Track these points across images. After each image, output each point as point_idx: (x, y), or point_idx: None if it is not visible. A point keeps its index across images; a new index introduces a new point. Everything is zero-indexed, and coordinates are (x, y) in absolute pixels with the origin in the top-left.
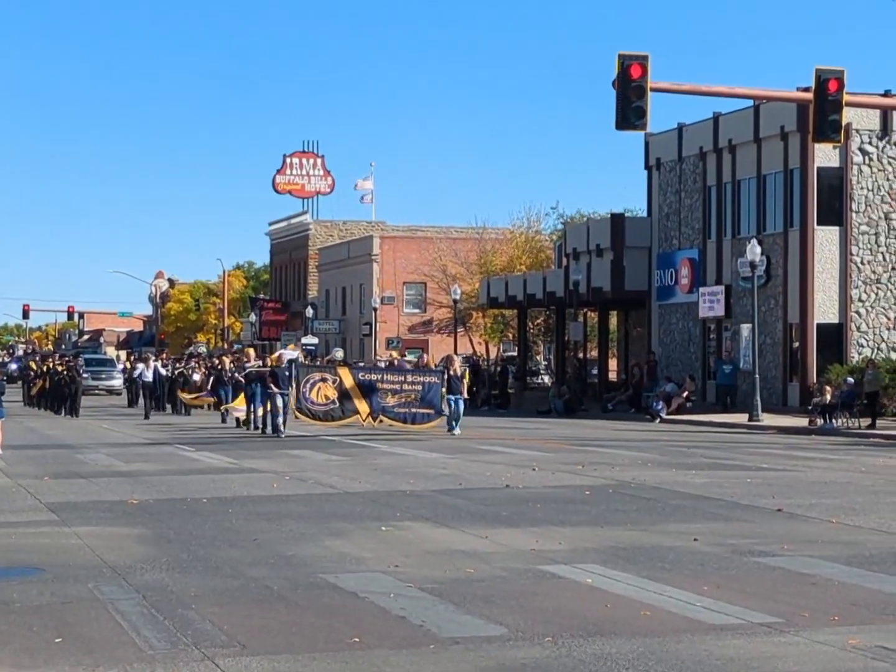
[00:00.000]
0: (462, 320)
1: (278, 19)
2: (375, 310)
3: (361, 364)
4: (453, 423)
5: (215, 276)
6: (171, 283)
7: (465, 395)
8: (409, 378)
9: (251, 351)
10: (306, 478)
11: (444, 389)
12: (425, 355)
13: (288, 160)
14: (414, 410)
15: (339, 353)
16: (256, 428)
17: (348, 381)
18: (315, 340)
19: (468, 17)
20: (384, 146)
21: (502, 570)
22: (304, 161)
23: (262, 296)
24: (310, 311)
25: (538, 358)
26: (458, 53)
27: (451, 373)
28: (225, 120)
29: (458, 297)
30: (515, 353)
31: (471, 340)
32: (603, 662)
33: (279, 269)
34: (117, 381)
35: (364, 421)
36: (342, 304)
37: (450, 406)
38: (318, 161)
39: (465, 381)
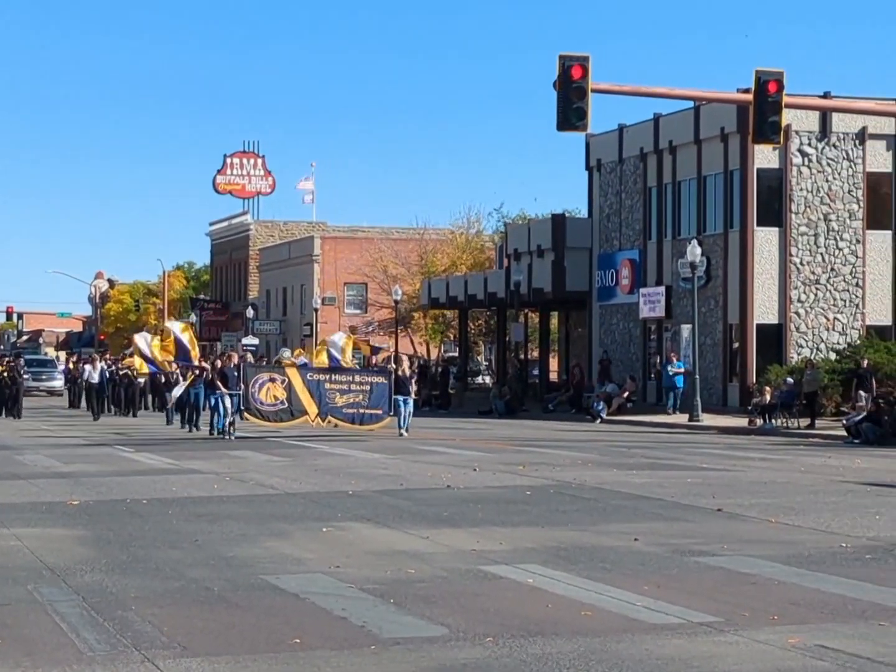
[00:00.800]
0: (403, 321)
1: (218, 19)
2: (316, 310)
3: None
4: (402, 424)
5: (155, 277)
6: (111, 283)
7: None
8: (357, 378)
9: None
10: (247, 479)
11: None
12: (377, 355)
13: (228, 160)
14: (362, 411)
15: (286, 353)
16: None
17: (297, 382)
18: (256, 341)
19: (409, 16)
20: (325, 146)
21: (443, 570)
22: (244, 161)
23: (202, 296)
24: (250, 312)
25: (479, 358)
26: (400, 53)
27: (400, 373)
28: (165, 120)
29: (399, 298)
30: (456, 354)
31: (412, 341)
32: (544, 662)
33: (220, 270)
34: (58, 382)
35: (313, 422)
36: (283, 304)
37: (398, 407)
38: (259, 161)
39: (414, 381)
